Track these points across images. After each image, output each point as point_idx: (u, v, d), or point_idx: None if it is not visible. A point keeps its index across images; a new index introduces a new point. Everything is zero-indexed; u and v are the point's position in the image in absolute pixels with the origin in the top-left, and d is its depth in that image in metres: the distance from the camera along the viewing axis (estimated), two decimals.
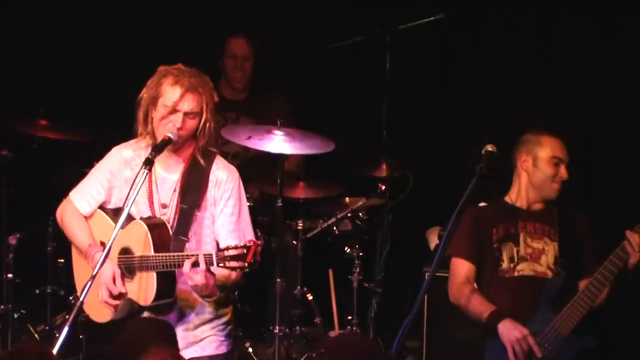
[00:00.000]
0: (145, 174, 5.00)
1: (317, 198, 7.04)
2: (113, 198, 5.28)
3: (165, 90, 5.13)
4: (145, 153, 5.18)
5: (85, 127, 7.16)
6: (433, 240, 7.06)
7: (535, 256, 5.51)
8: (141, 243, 5.12)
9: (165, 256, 5.03)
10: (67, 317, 6.52)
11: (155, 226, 5.12)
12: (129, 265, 5.17)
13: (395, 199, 7.12)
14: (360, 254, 6.96)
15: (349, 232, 7.10)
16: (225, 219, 5.20)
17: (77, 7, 7.77)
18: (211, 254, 4.89)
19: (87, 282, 4.86)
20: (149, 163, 5.02)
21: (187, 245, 5.13)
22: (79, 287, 5.36)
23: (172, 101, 5.11)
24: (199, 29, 7.83)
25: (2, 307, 6.94)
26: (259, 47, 7.46)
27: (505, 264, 5.53)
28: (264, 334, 6.92)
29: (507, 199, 5.66)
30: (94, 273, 4.89)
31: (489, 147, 5.10)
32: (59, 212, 5.41)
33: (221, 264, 4.85)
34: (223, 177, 5.22)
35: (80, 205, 5.31)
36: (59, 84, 7.73)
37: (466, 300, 5.49)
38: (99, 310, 5.25)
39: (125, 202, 4.98)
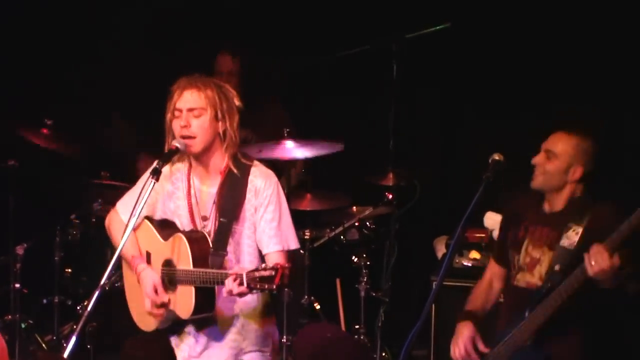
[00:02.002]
0: (152, 183, 5.00)
1: (324, 210, 7.04)
2: (157, 211, 5.31)
3: (171, 98, 5.19)
4: (183, 166, 5.26)
5: (92, 136, 7.19)
6: (440, 249, 7.07)
7: (530, 266, 5.38)
8: (181, 256, 5.15)
9: (200, 272, 5.05)
10: (74, 327, 6.65)
11: (195, 240, 5.15)
12: (171, 277, 5.20)
13: (402, 207, 7.10)
14: (368, 263, 6.96)
15: (356, 241, 7.10)
16: (266, 225, 5.21)
17: (83, 20, 7.84)
18: (242, 275, 4.87)
19: (94, 293, 4.81)
20: (156, 173, 5.02)
21: (226, 259, 5.15)
22: (128, 297, 5.42)
23: (174, 102, 5.17)
24: (211, 39, 7.86)
25: (9, 317, 6.95)
26: (249, 61, 7.44)
27: (512, 270, 5.48)
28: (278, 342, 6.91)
29: (545, 200, 5.44)
30: (101, 283, 4.83)
31: (496, 156, 5.06)
32: (107, 222, 5.47)
33: (251, 285, 4.84)
34: (261, 185, 5.22)
35: (125, 217, 5.28)
36: (65, 92, 7.76)
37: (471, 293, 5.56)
38: (145, 319, 5.30)
39: (132, 211, 4.96)
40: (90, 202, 7.04)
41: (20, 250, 6.95)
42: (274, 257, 5.18)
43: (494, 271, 5.56)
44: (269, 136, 6.80)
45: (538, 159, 5.37)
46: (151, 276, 5.18)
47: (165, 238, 5.23)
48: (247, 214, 5.22)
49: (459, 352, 5.32)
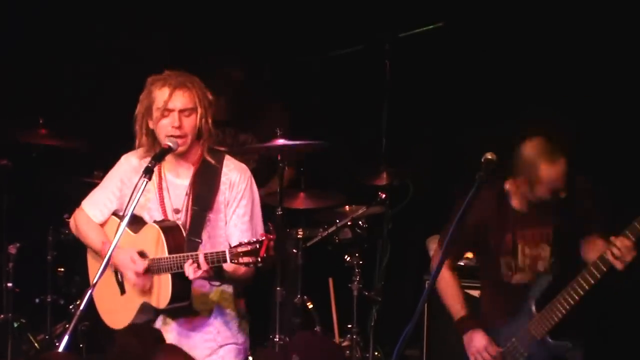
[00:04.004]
0: (145, 182, 5.02)
1: (316, 208, 7.04)
2: (125, 205, 5.26)
3: (156, 95, 5.20)
4: None
5: (85, 135, 7.15)
6: (433, 249, 6.93)
7: (532, 264, 5.53)
8: (155, 246, 5.16)
9: (175, 257, 5.06)
10: (67, 326, 6.63)
11: (169, 229, 5.18)
12: (147, 268, 5.19)
13: (396, 207, 7.11)
14: (360, 262, 6.95)
15: (349, 240, 7.09)
16: (238, 219, 5.26)
17: (76, 15, 7.81)
18: (224, 252, 4.91)
19: (87, 292, 4.83)
20: (148, 172, 5.04)
21: (200, 247, 5.16)
22: (95, 294, 5.33)
23: (163, 101, 5.16)
24: (198, 38, 7.85)
25: (2, 316, 6.96)
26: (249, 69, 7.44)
27: (503, 270, 5.57)
28: (264, 343, 6.90)
29: (510, 194, 5.53)
30: (95, 281, 4.85)
31: (489, 155, 5.03)
32: (72, 222, 5.50)
33: (234, 261, 4.87)
34: (236, 179, 5.27)
35: (93, 213, 5.39)
36: (58, 92, 7.75)
37: (443, 291, 5.64)
38: (116, 316, 5.32)
39: (125, 210, 5.00)
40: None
41: (12, 249, 6.97)
42: None
43: (450, 262, 5.66)
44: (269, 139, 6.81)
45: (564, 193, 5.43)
46: (124, 250, 5.16)
47: (136, 231, 5.23)
48: (221, 205, 5.25)
49: (488, 359, 5.46)
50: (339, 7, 7.74)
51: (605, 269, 5.24)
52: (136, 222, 5.27)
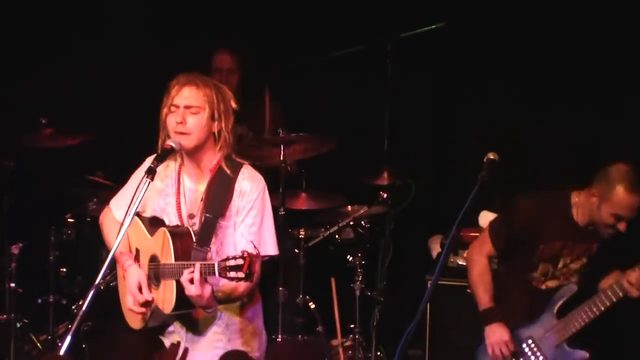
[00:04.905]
0: (147, 183, 4.96)
1: (318, 209, 7.04)
2: (148, 208, 5.27)
3: (169, 93, 5.15)
4: (173, 164, 5.22)
5: (87, 134, 7.10)
6: (435, 249, 7.08)
7: (568, 275, 5.69)
8: (165, 251, 5.11)
9: (174, 265, 5.00)
10: (69, 326, 6.65)
11: (179, 235, 5.10)
12: (156, 273, 5.17)
13: (398, 207, 7.11)
14: (363, 262, 6.94)
15: (351, 240, 7.07)
16: (245, 229, 5.16)
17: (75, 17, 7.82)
18: (213, 264, 4.84)
19: (89, 292, 4.77)
20: (151, 172, 4.98)
21: (209, 255, 5.09)
22: (121, 294, 5.37)
23: (171, 97, 5.12)
24: (208, 35, 7.87)
25: (4, 316, 6.92)
26: (244, 60, 7.42)
27: (536, 274, 5.71)
28: (266, 343, 6.90)
29: (573, 206, 5.65)
30: (97, 282, 4.78)
31: (491, 155, 5.06)
32: (100, 219, 5.46)
33: (222, 274, 4.80)
34: (247, 188, 5.17)
35: (118, 213, 5.32)
36: (60, 92, 7.73)
37: (476, 278, 5.78)
38: (133, 316, 5.27)
39: (127, 210, 4.94)
40: (86, 202, 7.02)
41: (15, 249, 6.92)
42: None
43: (491, 254, 5.79)
44: (265, 131, 6.79)
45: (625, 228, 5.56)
46: (136, 273, 5.13)
47: (152, 234, 5.19)
48: (231, 213, 5.18)
49: (506, 353, 5.61)
50: (340, 8, 7.74)
51: (620, 295, 5.48)
52: (156, 225, 5.22)
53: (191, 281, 4.88)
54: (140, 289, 5.10)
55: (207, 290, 4.95)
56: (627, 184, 5.42)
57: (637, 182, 5.44)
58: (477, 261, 5.77)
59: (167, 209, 5.23)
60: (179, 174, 5.25)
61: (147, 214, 5.29)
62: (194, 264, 4.91)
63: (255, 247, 4.85)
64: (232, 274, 4.76)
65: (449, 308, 6.63)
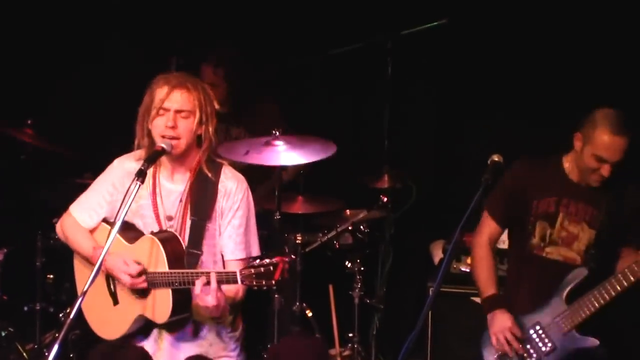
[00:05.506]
0: (137, 186, 4.93)
1: (316, 213, 7.00)
2: (116, 212, 5.16)
3: (156, 93, 5.14)
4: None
5: (74, 139, 7.14)
6: (437, 254, 7.04)
7: (567, 241, 5.62)
8: (154, 258, 5.07)
9: (181, 273, 4.98)
10: (57, 335, 6.64)
11: (167, 240, 5.10)
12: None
13: (398, 211, 7.06)
14: (362, 268, 6.90)
15: (349, 246, 7.01)
16: (233, 230, 5.20)
17: (68, 18, 7.80)
18: (235, 272, 4.84)
19: (77, 300, 4.75)
20: (141, 175, 4.96)
21: (200, 259, 5.10)
22: (83, 303, 5.23)
23: (160, 99, 5.09)
24: (197, 38, 7.77)
25: None
26: (234, 71, 7.31)
27: (535, 240, 5.65)
28: (262, 352, 6.77)
29: (565, 162, 5.65)
30: (86, 288, 4.73)
31: (495, 157, 5.08)
32: (58, 227, 5.42)
33: (246, 282, 4.79)
34: (232, 188, 5.21)
35: (81, 218, 5.30)
36: (47, 93, 7.73)
37: (477, 263, 5.72)
38: (108, 327, 5.24)
39: (117, 215, 4.91)
40: None
41: (0, 255, 6.89)
42: (236, 265, 5.14)
43: (492, 232, 5.74)
44: (262, 133, 6.69)
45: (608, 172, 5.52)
46: (117, 254, 5.06)
47: (131, 241, 5.15)
48: (216, 214, 5.20)
49: (511, 340, 5.51)
50: (340, 5, 7.70)
51: (632, 279, 5.38)
52: (129, 230, 5.19)
53: (206, 292, 4.88)
54: (127, 264, 5.07)
55: (223, 299, 4.97)
56: (609, 124, 5.41)
57: (618, 124, 5.42)
58: (478, 243, 5.74)
59: (140, 211, 5.20)
60: (155, 174, 5.23)
61: (114, 219, 5.19)
62: (206, 273, 4.90)
63: (285, 250, 4.86)
64: (259, 281, 4.74)
65: (452, 316, 6.61)
